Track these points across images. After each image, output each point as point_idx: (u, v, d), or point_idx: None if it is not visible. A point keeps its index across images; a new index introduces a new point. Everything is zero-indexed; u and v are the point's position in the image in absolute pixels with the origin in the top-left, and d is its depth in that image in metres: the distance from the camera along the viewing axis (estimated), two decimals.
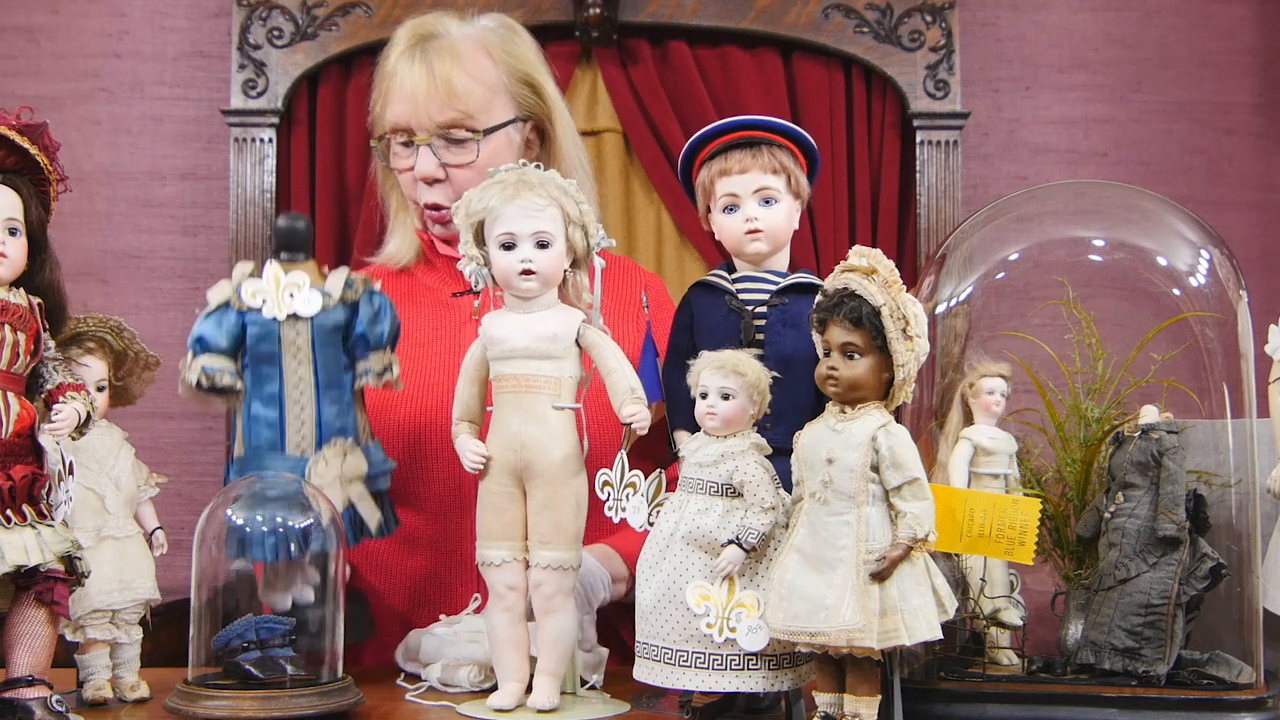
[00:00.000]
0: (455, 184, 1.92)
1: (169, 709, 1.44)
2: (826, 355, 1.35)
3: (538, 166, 1.53)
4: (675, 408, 1.49)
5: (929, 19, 3.42)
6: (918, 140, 3.41)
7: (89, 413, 1.40)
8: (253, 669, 1.46)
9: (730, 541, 1.35)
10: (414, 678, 1.68)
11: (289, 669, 1.47)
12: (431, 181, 1.94)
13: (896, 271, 1.35)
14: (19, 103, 1.47)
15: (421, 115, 1.92)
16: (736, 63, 3.42)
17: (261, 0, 3.40)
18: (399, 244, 2.08)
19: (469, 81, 1.92)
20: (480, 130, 1.93)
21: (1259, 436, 1.53)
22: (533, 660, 1.51)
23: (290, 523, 1.52)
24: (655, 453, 1.54)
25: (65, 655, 1.53)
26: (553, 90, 2.03)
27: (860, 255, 1.36)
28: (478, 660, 1.61)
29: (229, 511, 1.51)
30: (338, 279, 1.63)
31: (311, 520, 1.52)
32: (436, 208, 1.96)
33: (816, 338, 1.38)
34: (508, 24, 2.05)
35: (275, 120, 3.40)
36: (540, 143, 2.04)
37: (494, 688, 1.59)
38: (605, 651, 1.66)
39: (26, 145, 1.41)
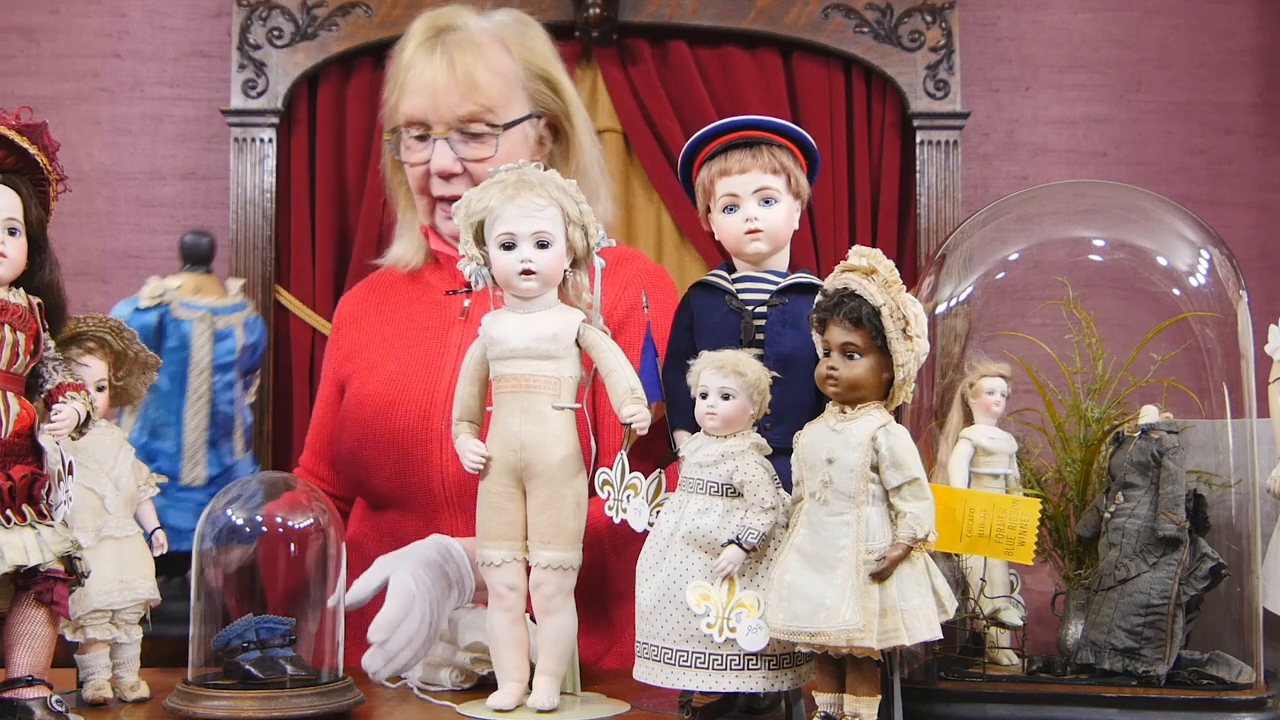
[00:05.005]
0: (472, 178, 1.90)
1: (169, 709, 1.44)
2: (826, 355, 1.35)
3: (541, 166, 1.53)
4: (675, 408, 1.49)
5: (929, 19, 3.42)
6: (918, 140, 3.41)
7: (89, 413, 1.40)
8: (253, 669, 1.46)
9: (730, 541, 1.35)
10: (394, 676, 1.68)
11: (289, 669, 1.47)
12: (448, 176, 1.91)
13: (896, 271, 1.35)
14: (19, 103, 1.47)
15: (441, 108, 1.89)
16: (736, 63, 3.42)
17: (261, 0, 3.40)
18: (406, 247, 2.06)
19: (490, 75, 1.90)
20: (500, 125, 1.91)
21: (1259, 436, 1.53)
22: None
23: (290, 522, 1.52)
24: (655, 453, 1.54)
25: (65, 655, 1.54)
26: (569, 86, 2.01)
27: (860, 255, 1.36)
28: (457, 664, 1.61)
29: (228, 510, 1.52)
30: None
31: (311, 521, 1.53)
32: (454, 200, 1.91)
33: (816, 338, 1.38)
34: (523, 19, 2.03)
35: (275, 120, 3.40)
36: (553, 139, 2.01)
37: (474, 688, 1.59)
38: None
39: (26, 145, 1.41)
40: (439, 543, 1.67)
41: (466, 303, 1.94)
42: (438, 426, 1.84)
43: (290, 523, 1.53)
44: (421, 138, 1.93)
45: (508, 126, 1.92)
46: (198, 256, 1.95)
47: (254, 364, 2.18)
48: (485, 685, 1.59)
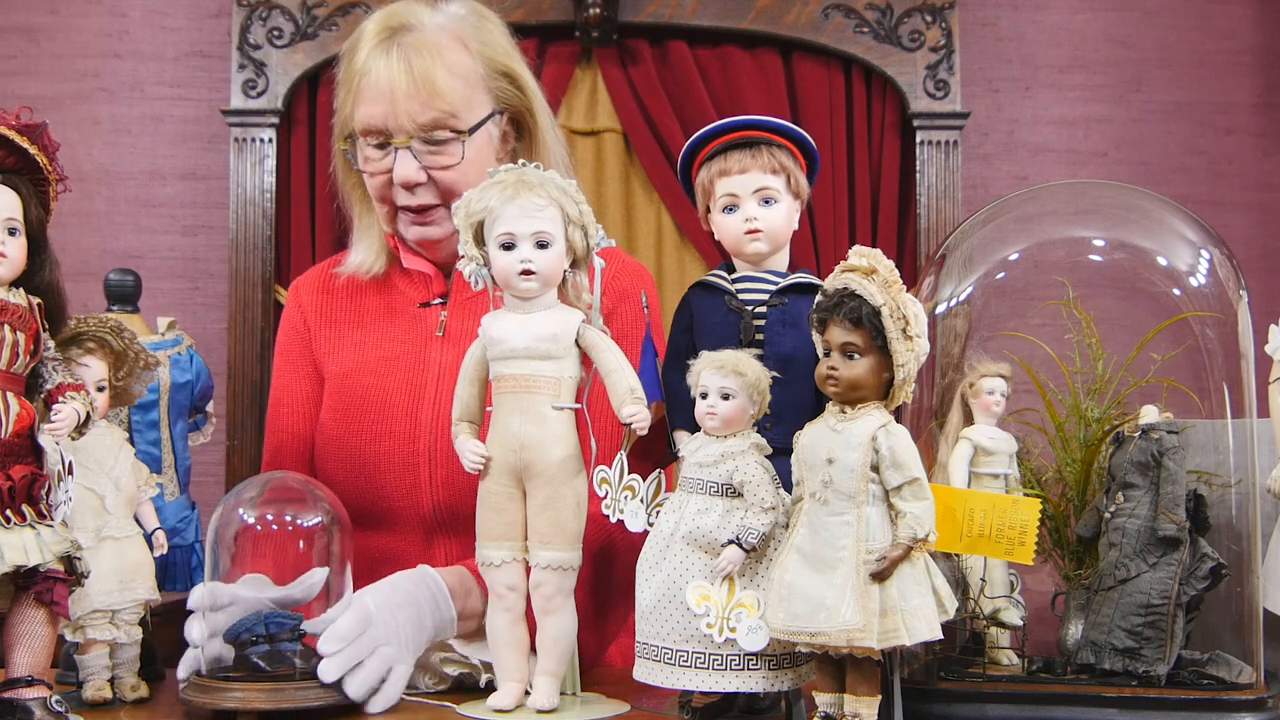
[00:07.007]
0: (439, 185, 1.82)
1: (183, 700, 1.45)
2: (826, 355, 1.35)
3: (537, 166, 1.53)
4: (675, 408, 1.49)
5: (929, 19, 3.42)
6: (918, 140, 3.41)
7: (88, 413, 1.40)
8: (261, 662, 1.46)
9: (730, 541, 1.35)
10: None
11: (297, 662, 1.47)
12: (411, 186, 1.82)
13: (896, 271, 1.35)
14: (19, 103, 1.47)
15: (401, 116, 1.79)
16: (736, 63, 3.43)
17: (261, 0, 3.40)
18: (366, 252, 1.96)
19: (450, 78, 1.80)
20: (464, 129, 1.81)
21: (1259, 436, 1.53)
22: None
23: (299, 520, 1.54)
24: (655, 453, 1.54)
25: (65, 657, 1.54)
26: (529, 79, 1.91)
27: (860, 255, 1.36)
28: (432, 667, 1.61)
29: (241, 512, 1.53)
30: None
31: (318, 519, 1.54)
32: (422, 209, 1.85)
33: (816, 338, 1.38)
34: (479, 10, 1.91)
35: (275, 120, 3.40)
36: (516, 135, 1.92)
37: (448, 690, 1.59)
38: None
39: (26, 145, 1.41)
40: (415, 572, 1.63)
41: (443, 315, 1.89)
42: (424, 450, 1.81)
43: (300, 520, 1.54)
44: (381, 146, 1.83)
45: (473, 130, 1.82)
46: (123, 295, 1.95)
47: (191, 403, 2.12)
48: (461, 687, 1.59)
